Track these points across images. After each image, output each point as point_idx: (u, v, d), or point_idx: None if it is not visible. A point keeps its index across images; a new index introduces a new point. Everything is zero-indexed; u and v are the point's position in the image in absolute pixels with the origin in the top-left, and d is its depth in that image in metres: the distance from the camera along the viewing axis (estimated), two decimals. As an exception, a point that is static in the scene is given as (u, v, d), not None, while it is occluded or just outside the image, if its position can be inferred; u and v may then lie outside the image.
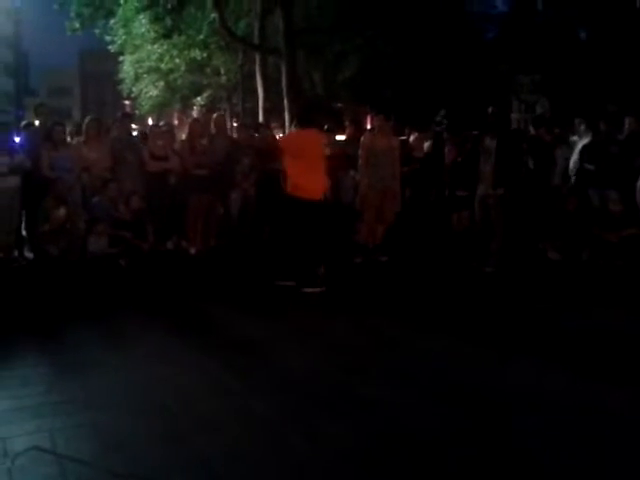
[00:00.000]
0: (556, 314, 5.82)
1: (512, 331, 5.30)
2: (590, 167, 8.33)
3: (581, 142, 8.74)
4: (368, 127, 16.69)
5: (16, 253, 8.08)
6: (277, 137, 8.28)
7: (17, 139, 8.22)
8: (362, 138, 8.38)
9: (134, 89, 24.45)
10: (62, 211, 7.67)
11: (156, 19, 17.23)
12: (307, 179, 6.60)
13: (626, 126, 8.62)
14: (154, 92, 24.73)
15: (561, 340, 5.04)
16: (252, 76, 20.15)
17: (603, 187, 8.07)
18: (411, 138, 9.51)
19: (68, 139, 8.63)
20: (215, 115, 9.86)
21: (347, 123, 10.52)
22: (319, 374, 4.34)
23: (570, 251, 7.84)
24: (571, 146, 9.02)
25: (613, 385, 4.13)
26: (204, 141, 8.80)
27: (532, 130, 9.06)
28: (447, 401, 3.86)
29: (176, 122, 21.65)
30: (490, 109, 7.82)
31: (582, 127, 9.05)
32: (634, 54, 21.28)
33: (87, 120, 8.79)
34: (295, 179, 6.62)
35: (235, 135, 10.50)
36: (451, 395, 3.96)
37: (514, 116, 32.38)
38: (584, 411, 3.71)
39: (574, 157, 8.67)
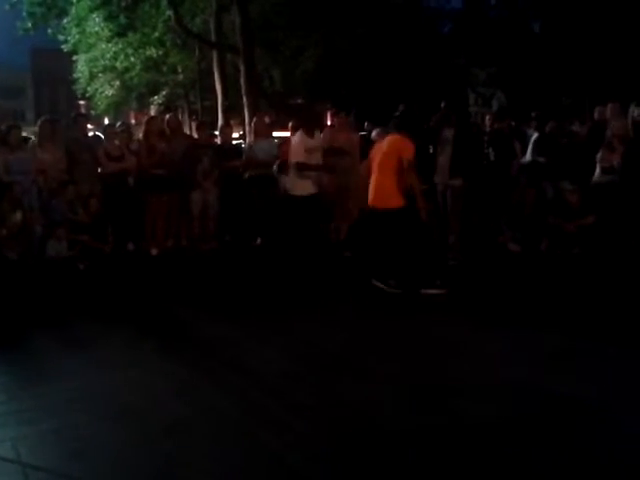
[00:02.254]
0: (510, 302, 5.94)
1: (479, 323, 5.37)
2: (541, 159, 8.49)
3: (535, 135, 8.91)
4: (328, 123, 16.73)
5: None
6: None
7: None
8: (321, 134, 8.38)
9: (89, 89, 23.94)
10: (19, 215, 7.51)
11: (110, 17, 16.94)
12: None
13: (595, 115, 8.79)
14: (110, 91, 24.28)
15: (526, 328, 5.13)
16: (210, 73, 19.97)
17: (556, 179, 8.23)
18: (373, 133, 9.54)
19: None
20: (167, 116, 9.75)
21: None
22: (287, 373, 4.33)
23: (529, 242, 7.98)
24: (528, 138, 9.18)
25: (588, 382, 4.21)
26: (162, 141, 8.69)
27: (488, 123, 9.19)
28: (420, 399, 3.90)
29: (133, 121, 21.38)
30: (442, 104, 7.94)
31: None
32: (587, 45, 21.74)
33: (40, 121, 8.61)
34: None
35: (195, 134, 10.41)
36: (423, 393, 4.00)
37: (471, 109, 32.79)
38: (552, 402, 3.78)
39: (528, 149, 8.86)
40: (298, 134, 7.39)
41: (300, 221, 7.16)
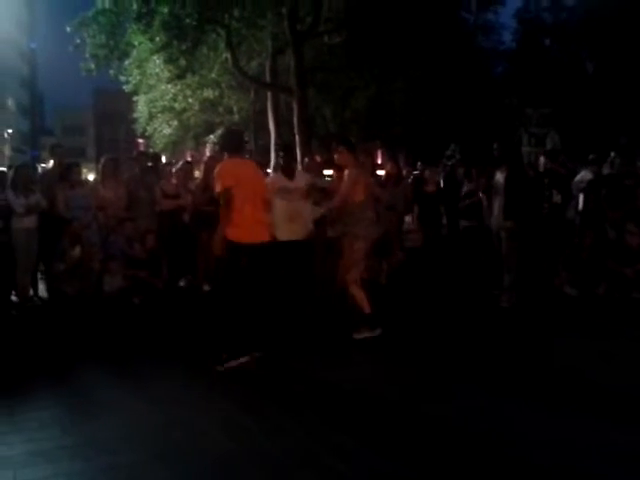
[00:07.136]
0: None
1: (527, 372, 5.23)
2: (614, 214, 8.08)
3: (587, 176, 8.66)
4: (379, 162, 16.81)
5: (31, 292, 8.12)
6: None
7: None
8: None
9: (148, 128, 24.69)
10: (77, 250, 7.72)
11: (170, 60, 17.50)
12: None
13: None
14: (168, 130, 24.97)
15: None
16: (264, 113, 20.35)
17: (621, 220, 7.96)
18: (426, 173, 9.55)
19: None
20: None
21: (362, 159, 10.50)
22: (333, 414, 4.28)
23: (586, 286, 7.75)
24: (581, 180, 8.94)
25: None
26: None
27: (546, 164, 9.03)
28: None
29: (189, 159, 21.85)
30: (495, 144, 7.84)
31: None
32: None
33: (103, 160, 8.88)
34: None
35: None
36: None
37: (524, 149, 32.52)
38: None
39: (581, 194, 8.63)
40: (275, 175, 7.15)
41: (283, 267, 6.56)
